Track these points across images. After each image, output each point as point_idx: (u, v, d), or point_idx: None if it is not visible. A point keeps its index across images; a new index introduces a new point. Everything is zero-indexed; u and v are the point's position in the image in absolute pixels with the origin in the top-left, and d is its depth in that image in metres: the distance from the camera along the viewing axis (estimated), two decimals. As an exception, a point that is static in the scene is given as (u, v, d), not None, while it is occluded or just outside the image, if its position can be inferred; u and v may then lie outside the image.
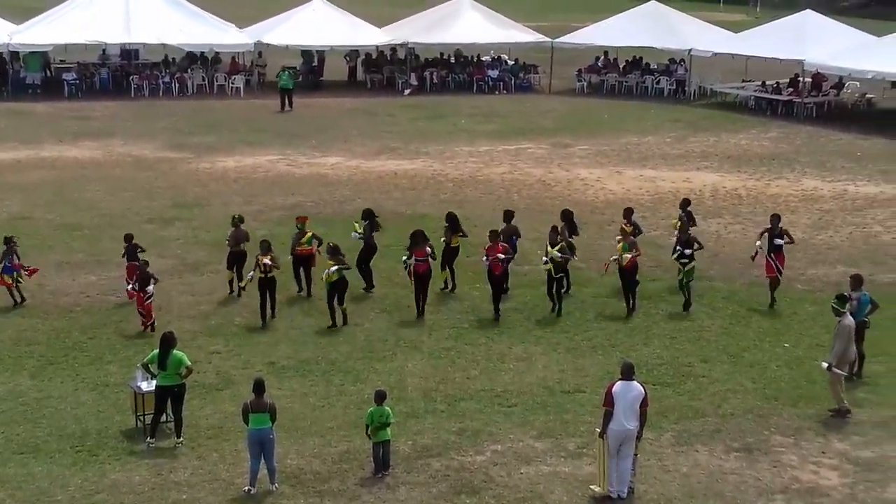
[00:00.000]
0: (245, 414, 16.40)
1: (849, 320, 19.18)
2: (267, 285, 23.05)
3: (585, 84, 57.51)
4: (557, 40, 58.33)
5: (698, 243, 24.29)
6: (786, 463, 17.50)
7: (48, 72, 56.32)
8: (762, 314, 24.12)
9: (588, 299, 24.68)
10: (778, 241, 24.43)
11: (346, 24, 57.04)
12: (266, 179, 36.48)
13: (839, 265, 27.43)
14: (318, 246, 24.58)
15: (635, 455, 16.27)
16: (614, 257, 24.12)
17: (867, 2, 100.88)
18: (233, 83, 54.37)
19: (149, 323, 22.54)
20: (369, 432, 16.88)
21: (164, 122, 46.19)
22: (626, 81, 57.58)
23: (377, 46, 58.47)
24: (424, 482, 16.74)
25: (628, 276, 23.84)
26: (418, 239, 23.61)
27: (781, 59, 50.50)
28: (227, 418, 18.64)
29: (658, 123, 47.74)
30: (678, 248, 24.18)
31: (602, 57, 59.57)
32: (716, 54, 54.17)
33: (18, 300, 24.18)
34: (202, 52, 56.77)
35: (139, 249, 24.54)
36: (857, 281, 20.80)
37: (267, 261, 22.79)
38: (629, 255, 23.60)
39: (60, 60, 56.72)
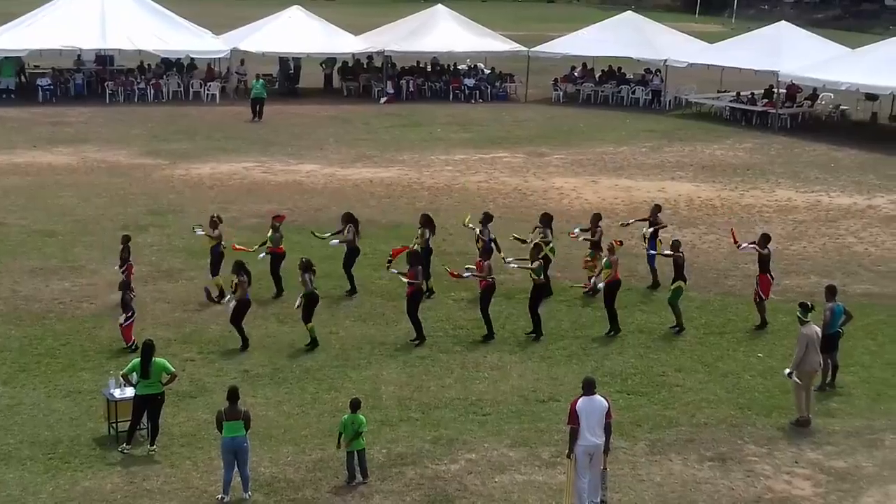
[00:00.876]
0: (219, 422, 16.34)
1: (808, 329, 19.24)
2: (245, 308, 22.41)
3: (561, 94, 57.65)
4: (534, 50, 58.46)
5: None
6: (759, 472, 17.55)
7: (22, 77, 56.02)
8: (736, 324, 24.19)
9: (563, 308, 24.70)
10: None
11: (323, 31, 56.96)
12: (241, 187, 36.40)
13: (812, 275, 27.58)
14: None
15: (604, 469, 16.14)
16: (595, 277, 24.18)
17: (841, 14, 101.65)
18: (208, 90, 54.24)
19: (128, 345, 21.99)
20: (341, 440, 16.84)
21: (139, 129, 46.02)
22: (602, 91, 57.75)
23: (353, 54, 58.44)
24: (398, 490, 16.72)
25: (608, 291, 23.44)
26: (411, 260, 23.25)
27: (756, 71, 50.78)
28: (201, 426, 18.56)
29: (633, 133, 47.90)
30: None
31: (578, 67, 59.73)
32: (691, 65, 54.39)
33: None
34: (178, 59, 56.54)
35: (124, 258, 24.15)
36: (831, 292, 20.90)
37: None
38: (606, 273, 23.39)
39: (35, 66, 56.45)
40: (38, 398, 19.77)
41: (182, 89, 54.87)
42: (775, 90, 51.12)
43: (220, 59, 56.05)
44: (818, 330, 19.44)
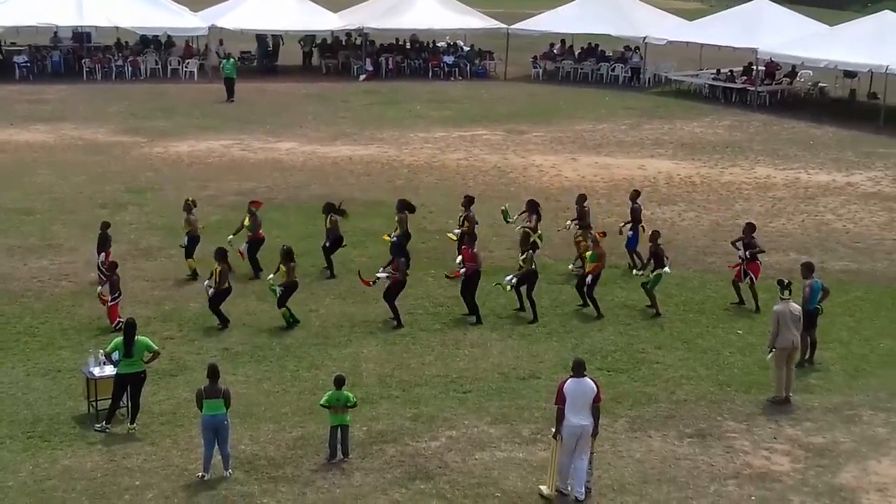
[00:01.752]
0: (199, 400, 16.30)
1: (779, 306, 19.31)
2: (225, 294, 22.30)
3: (541, 71, 57.61)
4: (513, 27, 58.40)
5: (666, 257, 24.09)
6: (738, 448, 17.63)
7: (-1, 54, 55.74)
8: (715, 301, 24.26)
9: (543, 286, 24.67)
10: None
11: (301, 8, 56.71)
12: (220, 164, 36.28)
13: (791, 252, 27.67)
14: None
15: (591, 454, 16.08)
16: (578, 265, 24.10)
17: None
18: (186, 67, 54.02)
19: (113, 324, 21.79)
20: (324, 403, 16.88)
21: (117, 106, 45.82)
22: (581, 68, 57.74)
23: (332, 31, 58.26)
24: (379, 468, 16.72)
25: (589, 280, 23.34)
26: (393, 251, 23.13)
27: (735, 48, 50.84)
28: (181, 404, 18.53)
29: (613, 111, 47.93)
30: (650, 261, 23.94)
31: (558, 44, 59.69)
32: (670, 42, 54.45)
33: None
34: (156, 36, 56.26)
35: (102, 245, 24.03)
36: (808, 268, 20.96)
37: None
38: (589, 267, 23.29)
39: (11, 43, 56.14)
40: (17, 377, 19.69)
41: (160, 67, 54.66)
42: (754, 67, 51.19)
43: (198, 36, 55.76)
44: (795, 307, 19.49)
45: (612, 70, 56.91)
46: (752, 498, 16.18)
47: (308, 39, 59.10)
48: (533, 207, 25.81)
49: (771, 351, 19.26)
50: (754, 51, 49.41)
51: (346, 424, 16.93)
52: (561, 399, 15.76)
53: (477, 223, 25.53)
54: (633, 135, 42.79)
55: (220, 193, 32.02)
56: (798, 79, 53.14)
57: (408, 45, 60.03)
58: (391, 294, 22.47)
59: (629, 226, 26.20)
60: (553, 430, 16.04)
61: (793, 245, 28.49)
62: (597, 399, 15.92)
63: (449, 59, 57.57)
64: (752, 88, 50.31)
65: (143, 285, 24.43)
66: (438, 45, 60.05)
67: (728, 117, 46.90)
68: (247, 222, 24.96)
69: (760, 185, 35.04)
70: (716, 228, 29.80)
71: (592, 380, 16.13)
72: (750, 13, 53.18)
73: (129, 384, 17.67)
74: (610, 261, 25.16)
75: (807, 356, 20.74)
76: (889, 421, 18.72)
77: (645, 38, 54.73)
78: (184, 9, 55.86)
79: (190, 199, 25.47)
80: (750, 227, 24.26)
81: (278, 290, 22.02)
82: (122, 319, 21.10)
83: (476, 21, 59.20)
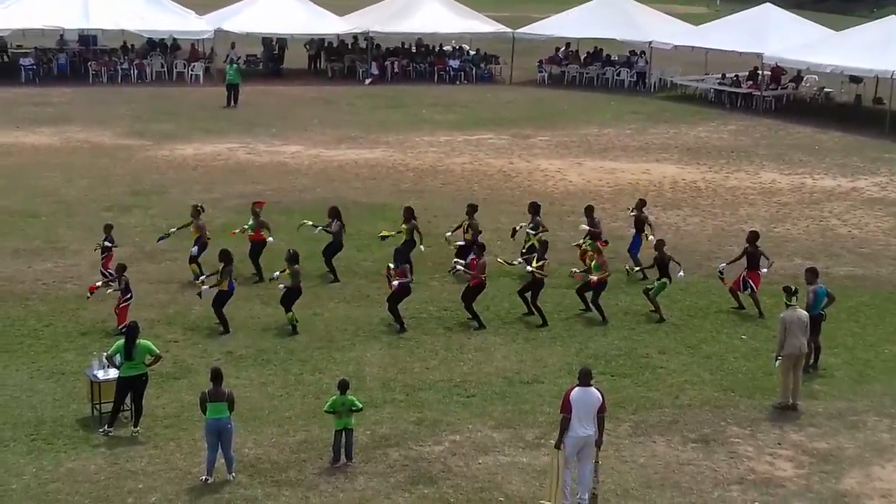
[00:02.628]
0: (203, 403, 16.32)
1: (786, 313, 19.28)
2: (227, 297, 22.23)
3: (546, 75, 57.60)
4: (519, 31, 58.43)
5: (678, 263, 24.01)
6: (742, 454, 17.61)
7: (5, 57, 55.87)
8: (719, 306, 24.24)
9: (547, 290, 24.63)
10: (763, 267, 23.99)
11: (307, 12, 56.75)
12: (225, 167, 36.30)
13: (796, 258, 27.64)
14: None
15: (596, 462, 15.95)
16: (583, 269, 23.93)
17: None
18: (192, 70, 54.07)
19: (120, 326, 21.60)
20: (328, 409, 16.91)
21: (123, 109, 45.85)
22: (586, 73, 57.77)
23: (338, 35, 58.31)
24: (383, 472, 16.72)
25: (595, 289, 23.24)
26: (398, 257, 23.10)
27: (741, 53, 50.79)
28: (185, 407, 18.53)
29: (618, 115, 47.93)
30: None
31: (563, 48, 59.68)
32: (676, 47, 54.41)
33: None
34: (161, 39, 56.34)
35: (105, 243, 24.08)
36: (812, 274, 20.94)
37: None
38: (596, 277, 23.05)
39: (17, 45, 56.19)
40: (22, 379, 19.70)
41: (165, 70, 54.70)
42: (760, 72, 51.17)
43: (203, 39, 55.81)
44: (803, 314, 19.45)
45: (618, 74, 56.92)
46: (756, 503, 16.16)
47: (314, 43, 59.14)
48: (535, 210, 25.80)
49: (778, 358, 19.22)
50: (760, 55, 49.40)
51: (350, 428, 16.93)
52: (567, 408, 15.57)
53: (480, 232, 25.45)
54: (639, 139, 42.78)
55: (226, 197, 32.04)
56: (804, 84, 53.14)
57: (413, 49, 60.07)
58: (394, 300, 22.45)
59: (644, 232, 26.16)
60: (556, 439, 15.84)
61: (797, 250, 28.47)
62: (602, 409, 15.77)
63: (454, 63, 57.60)
64: (758, 93, 50.28)
65: (147, 288, 24.43)
66: (444, 48, 60.07)
67: (733, 122, 46.89)
68: (250, 222, 24.97)
69: (765, 190, 35.01)
70: (720, 233, 29.78)
71: (598, 389, 16.00)
72: (756, 18, 53.14)
73: (130, 387, 17.67)
74: (613, 266, 25.12)
75: (811, 362, 20.71)
76: (893, 427, 18.71)
77: (650, 42, 54.73)
78: (189, 12, 55.87)
79: (199, 204, 25.48)
80: (753, 236, 24.16)
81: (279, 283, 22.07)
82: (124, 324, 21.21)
83: (481, 25, 59.22)
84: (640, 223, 26.35)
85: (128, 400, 17.83)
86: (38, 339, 21.58)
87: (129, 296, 21.79)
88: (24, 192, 32.18)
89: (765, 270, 23.73)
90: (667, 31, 56.47)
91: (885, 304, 24.81)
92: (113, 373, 17.88)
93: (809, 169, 38.07)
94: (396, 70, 57.35)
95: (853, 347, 22.21)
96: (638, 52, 57.17)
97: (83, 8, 52.06)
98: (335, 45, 59.48)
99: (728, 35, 52.11)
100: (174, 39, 56.23)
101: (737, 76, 52.26)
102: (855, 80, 51.88)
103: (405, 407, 18.97)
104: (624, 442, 17.88)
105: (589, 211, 26.27)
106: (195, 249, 24.66)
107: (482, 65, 58.41)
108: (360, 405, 17.08)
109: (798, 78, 52.81)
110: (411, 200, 28.00)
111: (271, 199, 30.54)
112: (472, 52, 60.05)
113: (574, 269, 24.68)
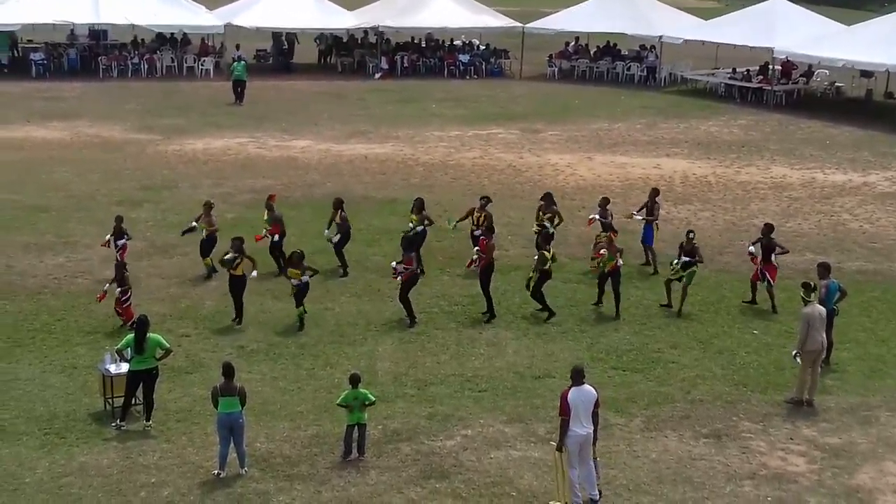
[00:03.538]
0: (214, 397, 16.34)
1: (808, 308, 19.20)
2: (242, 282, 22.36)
3: (556, 70, 57.55)
4: (528, 25, 58.38)
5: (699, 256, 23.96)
6: (754, 449, 17.58)
7: (15, 51, 55.91)
8: (731, 301, 24.19)
9: (558, 285, 24.62)
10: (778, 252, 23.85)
11: (317, 6, 56.76)
12: (235, 162, 36.32)
13: (807, 252, 27.57)
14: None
15: (596, 459, 15.87)
16: (598, 262, 23.75)
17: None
18: (202, 65, 54.11)
19: (128, 323, 21.57)
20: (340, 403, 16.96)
21: (133, 104, 45.91)
22: (597, 67, 57.70)
23: (348, 30, 58.29)
24: (394, 466, 16.73)
25: (613, 277, 23.19)
26: (405, 245, 23.08)
27: (751, 47, 50.68)
28: (197, 402, 18.56)
29: (629, 110, 47.87)
30: (684, 257, 23.59)
31: (573, 43, 59.60)
32: (686, 41, 54.32)
33: None
34: (171, 34, 56.39)
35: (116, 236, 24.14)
36: (824, 269, 20.87)
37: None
38: (611, 264, 23.02)
39: (28, 40, 56.24)
40: (34, 373, 19.74)
41: (176, 64, 54.77)
42: (770, 67, 51.04)
43: (213, 34, 55.84)
44: (822, 309, 19.39)
45: (628, 69, 56.85)
46: (769, 499, 16.14)
47: (323, 37, 59.15)
48: (549, 200, 25.85)
49: (798, 354, 19.13)
50: (770, 50, 49.26)
51: (363, 423, 16.94)
52: (566, 410, 15.47)
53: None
54: (649, 134, 42.73)
55: (236, 191, 32.06)
56: (814, 78, 53.03)
57: (423, 44, 60.03)
58: (404, 290, 22.46)
59: (649, 219, 26.14)
60: (556, 443, 15.74)
61: (809, 245, 28.41)
62: (596, 405, 15.70)
63: (464, 58, 57.56)
64: (769, 88, 50.16)
65: (158, 283, 24.47)
66: (454, 43, 60.03)
67: (744, 117, 46.80)
68: (265, 217, 24.99)
69: (776, 184, 34.95)
70: (731, 228, 29.74)
71: (591, 385, 15.92)
72: (766, 12, 53.03)
73: (141, 381, 17.70)
74: (624, 259, 25.04)
75: (823, 357, 20.65)
76: (906, 422, 18.68)
77: (661, 37, 54.65)
78: (200, 6, 55.91)
79: (211, 200, 25.50)
80: (768, 228, 24.07)
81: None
82: (130, 319, 21.28)
83: (491, 20, 59.20)
84: (654, 211, 26.28)
85: (139, 394, 17.87)
86: (50, 333, 21.62)
87: (128, 294, 21.78)
88: (35, 187, 32.23)
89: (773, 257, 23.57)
90: (677, 25, 56.40)
91: (897, 298, 24.76)
92: (125, 367, 17.90)
93: (820, 164, 37.99)
94: (406, 65, 57.33)
95: (865, 342, 22.16)
96: (648, 47, 57.10)
97: (93, 3, 52.17)
98: (345, 39, 59.44)
99: (739, 29, 51.99)
100: (184, 34, 56.31)
101: (748, 71, 52.16)
102: (866, 74, 51.79)
103: (417, 401, 18.97)
104: (636, 437, 17.86)
105: (603, 203, 26.24)
106: (204, 238, 24.70)
107: (492, 59, 58.39)
108: (374, 398, 17.11)
109: (809, 72, 52.70)
110: (421, 195, 27.83)
111: (282, 194, 30.51)
112: (481, 47, 59.98)
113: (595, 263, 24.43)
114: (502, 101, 49.63)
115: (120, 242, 24.08)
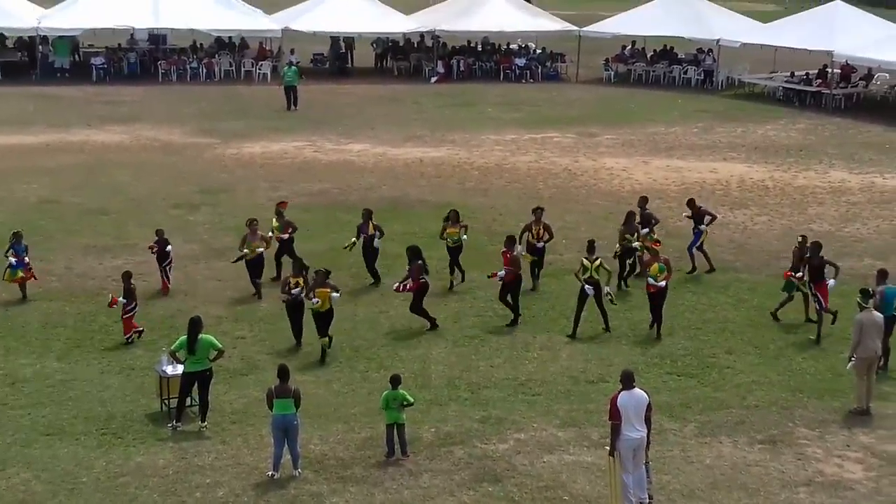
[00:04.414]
0: (269, 399, 16.46)
1: (865, 315, 18.96)
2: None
3: (613, 73, 57.36)
4: (585, 29, 58.23)
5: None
6: (810, 455, 17.43)
7: (77, 56, 56.66)
8: (788, 306, 23.90)
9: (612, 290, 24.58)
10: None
11: (374, 11, 56.99)
12: (292, 166, 36.55)
13: (866, 258, 27.28)
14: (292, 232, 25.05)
15: (647, 463, 15.80)
16: (650, 279, 22.49)
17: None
18: (260, 69, 54.50)
19: (126, 336, 21.61)
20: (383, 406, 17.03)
21: (192, 108, 46.35)
22: (653, 71, 57.44)
23: (404, 34, 58.48)
24: (447, 469, 16.76)
25: (657, 300, 22.38)
26: (411, 256, 22.78)
27: (810, 50, 50.17)
28: (252, 403, 18.70)
29: (685, 113, 47.60)
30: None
31: (629, 46, 59.38)
32: (744, 44, 53.92)
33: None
34: (230, 38, 56.87)
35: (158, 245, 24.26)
36: (882, 275, 20.66)
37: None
38: (663, 277, 22.15)
39: (89, 45, 57.00)
40: (92, 374, 20.00)
41: (234, 68, 55.22)
42: (829, 70, 50.55)
43: (271, 38, 56.23)
44: (879, 316, 19.14)
45: (685, 73, 56.54)
46: (824, 506, 16.02)
47: (380, 41, 59.38)
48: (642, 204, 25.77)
49: (851, 360, 18.96)
50: (829, 53, 48.79)
51: (401, 423, 17.00)
52: (616, 415, 15.38)
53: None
54: (706, 138, 42.46)
55: (292, 195, 32.12)
56: (874, 81, 52.40)
57: (479, 48, 60.09)
58: (417, 300, 22.39)
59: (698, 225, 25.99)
60: (608, 447, 15.67)
61: (867, 250, 28.10)
62: (649, 408, 15.62)
63: (520, 62, 57.53)
64: (827, 91, 49.69)
65: (215, 285, 24.69)
66: (510, 47, 60.03)
67: (802, 120, 46.38)
68: (275, 223, 24.96)
69: (835, 189, 34.60)
70: (788, 233, 29.43)
71: (643, 389, 15.89)
72: (825, 15, 52.53)
73: (195, 382, 17.86)
74: (678, 265, 24.89)
75: (881, 364, 20.43)
76: (965, 430, 18.43)
77: (718, 40, 54.30)
78: (258, 11, 56.34)
79: (254, 218, 24.59)
80: (816, 247, 22.68)
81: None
82: (137, 329, 21.45)
83: (547, 23, 59.14)
84: (700, 217, 26.10)
85: (195, 395, 18.03)
86: (108, 334, 21.89)
87: (133, 305, 21.71)
88: (95, 190, 32.63)
89: (832, 282, 22.39)
90: (735, 28, 56.00)
91: (958, 305, 24.37)
92: (181, 368, 18.08)
93: (880, 168, 37.56)
94: (462, 68, 57.42)
95: (924, 349, 21.85)
96: (705, 50, 56.74)
97: (153, 7, 52.76)
98: (401, 43, 59.65)
99: (797, 32, 51.54)
100: (242, 38, 56.76)
101: (806, 74, 51.71)
102: (927, 77, 51.18)
103: (470, 405, 19.00)
104: (690, 442, 17.77)
105: (642, 202, 26.08)
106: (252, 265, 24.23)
107: (548, 63, 58.28)
108: (412, 400, 17.13)
109: (868, 76, 52.11)
110: (476, 199, 27.92)
111: (337, 197, 30.72)
112: (538, 51, 59.95)
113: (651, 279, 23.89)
114: (558, 105, 49.56)
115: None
